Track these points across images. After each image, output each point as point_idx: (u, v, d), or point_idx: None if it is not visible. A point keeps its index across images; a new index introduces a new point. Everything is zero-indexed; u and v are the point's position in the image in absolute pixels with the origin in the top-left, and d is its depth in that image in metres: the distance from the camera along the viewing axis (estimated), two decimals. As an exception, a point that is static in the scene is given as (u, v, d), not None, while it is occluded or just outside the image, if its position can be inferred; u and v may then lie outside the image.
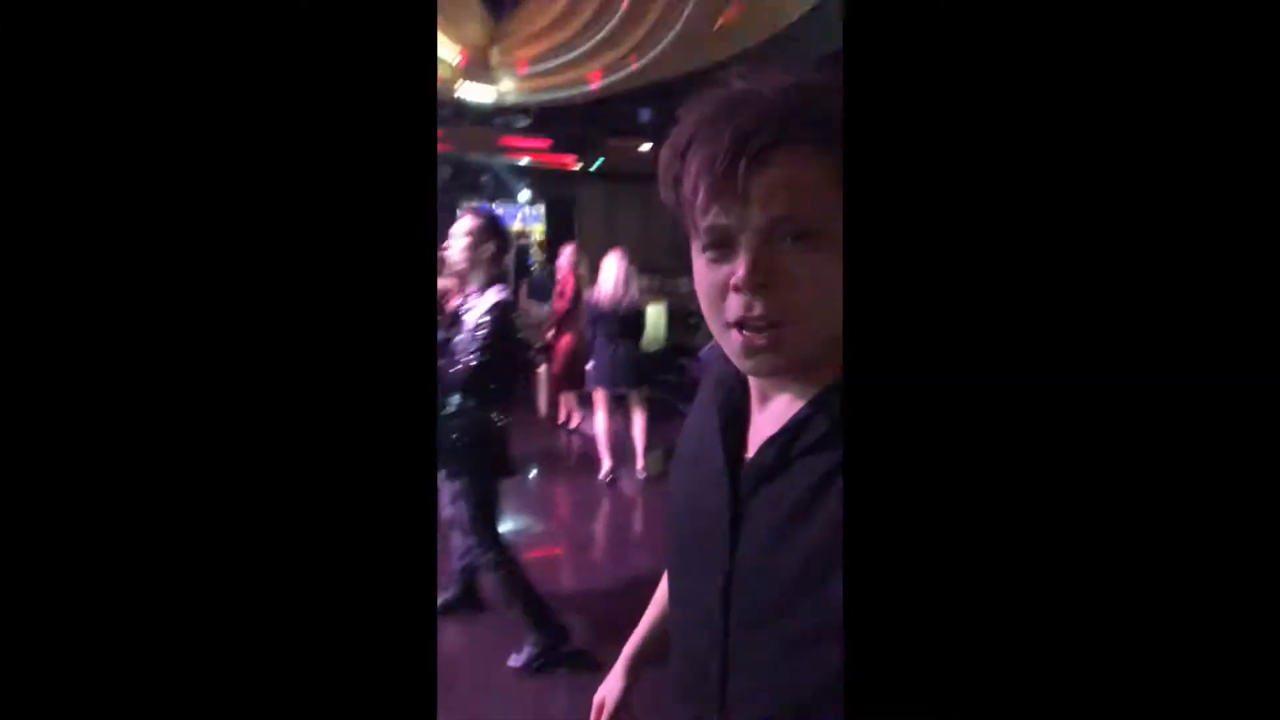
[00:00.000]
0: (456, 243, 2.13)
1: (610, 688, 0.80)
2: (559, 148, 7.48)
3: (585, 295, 4.20)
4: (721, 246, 0.48)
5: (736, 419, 0.58)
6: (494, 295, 2.08)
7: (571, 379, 4.58)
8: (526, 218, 8.71)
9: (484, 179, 7.79)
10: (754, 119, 0.46)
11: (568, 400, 4.91)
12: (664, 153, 0.51)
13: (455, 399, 2.05)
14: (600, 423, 3.94)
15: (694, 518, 0.59)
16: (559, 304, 4.62)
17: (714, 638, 0.54)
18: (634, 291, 3.80)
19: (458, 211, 2.24)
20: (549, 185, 8.48)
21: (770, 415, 0.55)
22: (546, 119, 6.49)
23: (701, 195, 0.48)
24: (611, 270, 3.77)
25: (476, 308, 2.08)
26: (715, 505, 0.55)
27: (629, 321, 3.81)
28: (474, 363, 1.99)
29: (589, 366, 4.03)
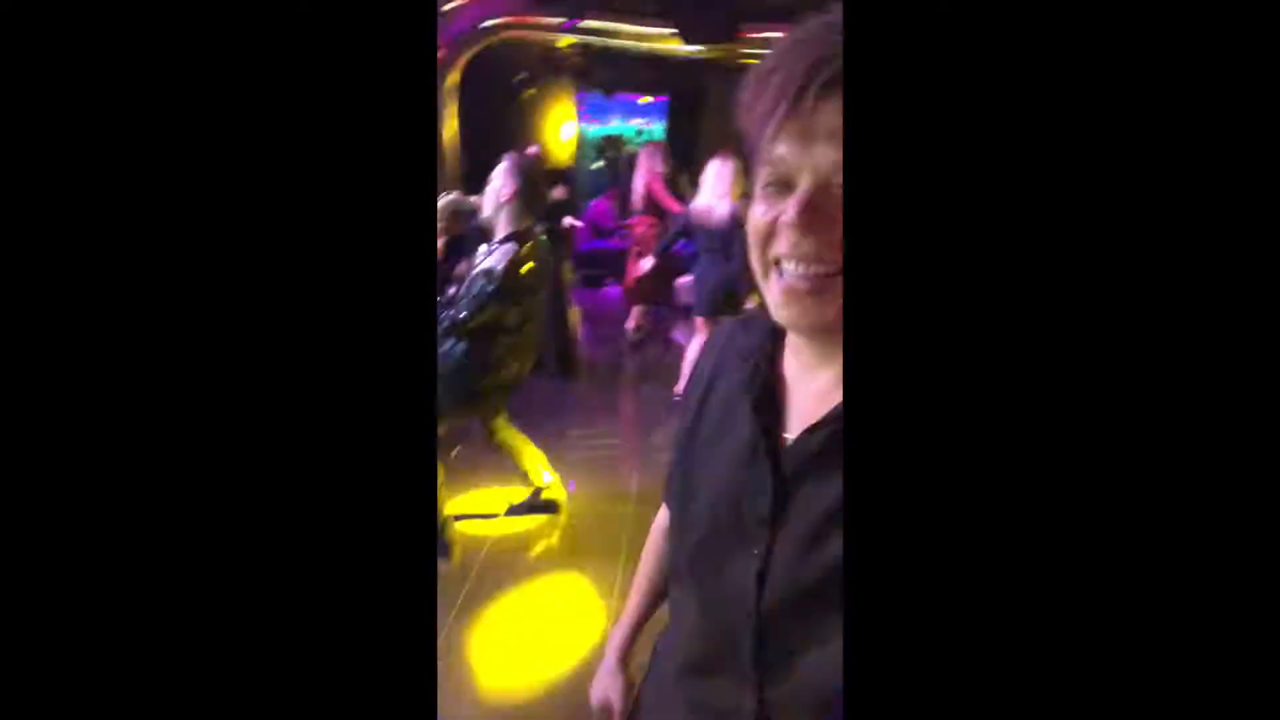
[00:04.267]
0: (488, 190, 2.11)
1: (610, 686, 0.77)
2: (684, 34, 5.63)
3: (684, 204, 3.73)
4: (780, 182, 0.48)
5: (768, 397, 0.55)
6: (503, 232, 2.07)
7: (645, 294, 4.36)
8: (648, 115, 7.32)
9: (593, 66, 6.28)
10: (829, 53, 0.44)
11: (638, 314, 4.70)
12: (747, 79, 0.49)
13: (450, 345, 2.09)
14: (694, 348, 3.45)
15: (724, 498, 0.56)
16: (637, 215, 4.28)
17: (746, 618, 0.53)
18: (736, 205, 3.14)
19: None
20: (673, 77, 6.49)
21: (813, 396, 0.53)
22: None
23: (771, 124, 0.47)
24: (712, 177, 3.19)
25: (488, 257, 2.07)
26: (751, 487, 0.53)
27: (728, 237, 3.15)
28: (463, 313, 2.02)
29: (682, 282, 3.73)
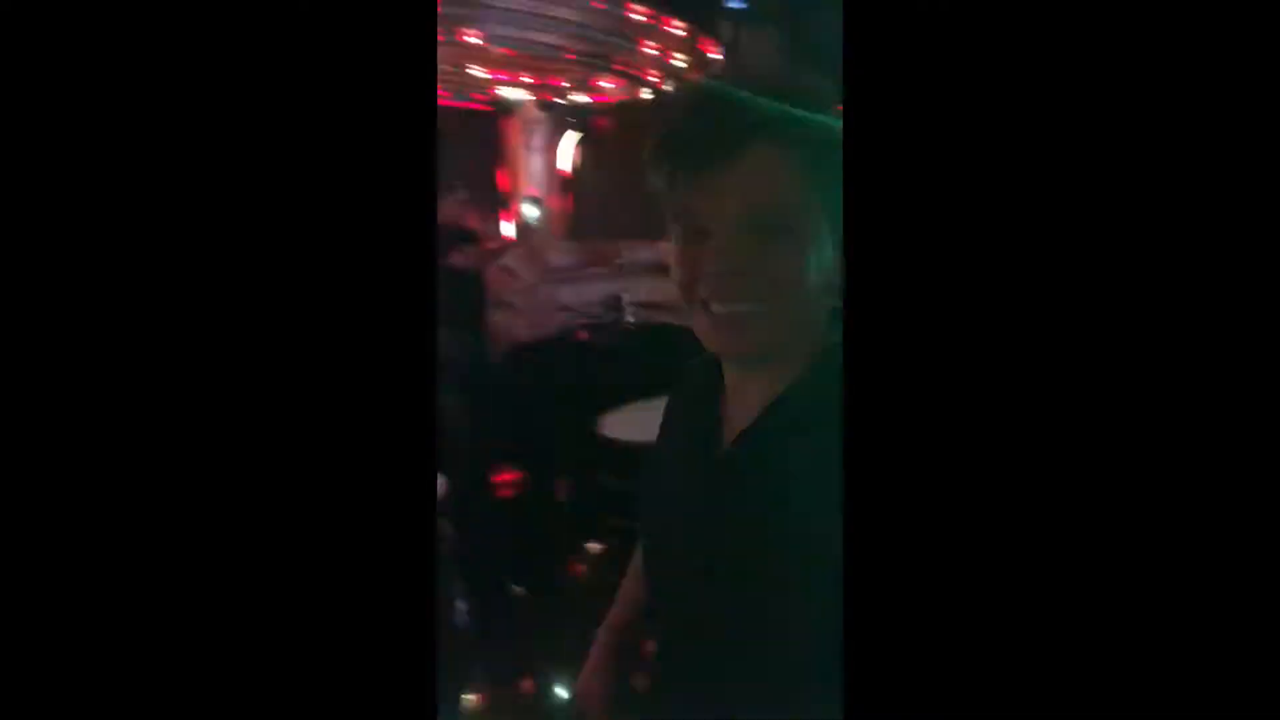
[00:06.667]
0: None
1: (589, 683, 0.80)
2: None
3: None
4: (694, 233, 0.52)
5: (710, 410, 0.61)
6: None
7: None
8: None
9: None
10: (722, 110, 0.49)
11: None
12: (649, 142, 0.54)
13: None
14: None
15: (671, 507, 0.61)
16: None
17: (696, 623, 0.57)
18: None
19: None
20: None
21: (744, 407, 0.58)
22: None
23: (676, 183, 0.51)
24: None
25: None
26: (693, 495, 0.59)
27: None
28: None
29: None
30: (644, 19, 3.20)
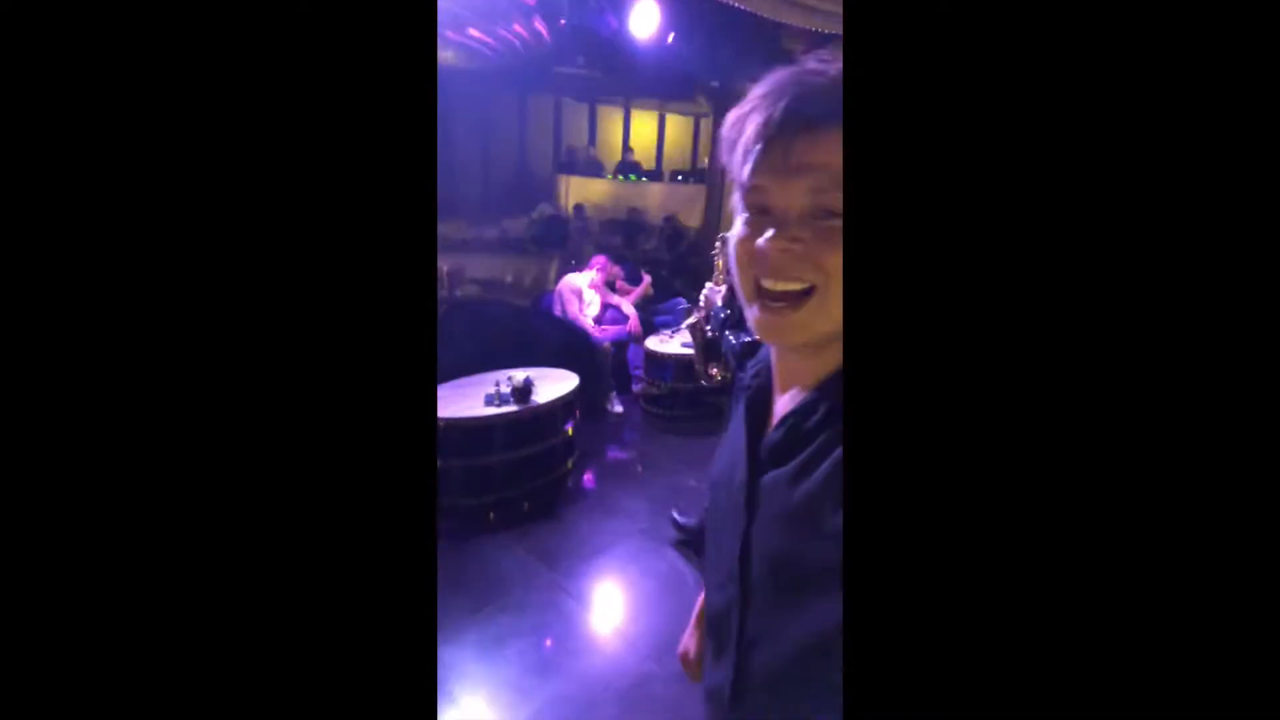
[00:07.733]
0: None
1: (689, 641, 0.90)
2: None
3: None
4: (760, 212, 0.52)
5: (762, 399, 0.64)
6: None
7: None
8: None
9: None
10: (809, 96, 0.49)
11: None
12: (727, 118, 0.54)
13: None
14: None
15: (726, 489, 0.64)
16: None
17: (733, 597, 0.59)
18: None
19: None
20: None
21: (786, 398, 0.60)
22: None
23: (750, 160, 0.51)
24: None
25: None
26: (740, 478, 0.61)
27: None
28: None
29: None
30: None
